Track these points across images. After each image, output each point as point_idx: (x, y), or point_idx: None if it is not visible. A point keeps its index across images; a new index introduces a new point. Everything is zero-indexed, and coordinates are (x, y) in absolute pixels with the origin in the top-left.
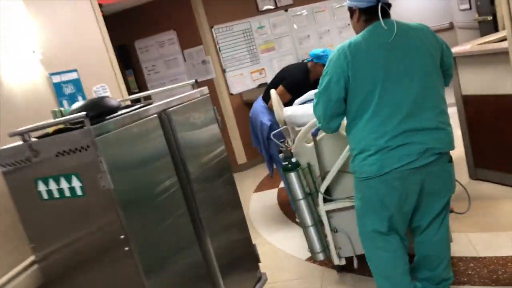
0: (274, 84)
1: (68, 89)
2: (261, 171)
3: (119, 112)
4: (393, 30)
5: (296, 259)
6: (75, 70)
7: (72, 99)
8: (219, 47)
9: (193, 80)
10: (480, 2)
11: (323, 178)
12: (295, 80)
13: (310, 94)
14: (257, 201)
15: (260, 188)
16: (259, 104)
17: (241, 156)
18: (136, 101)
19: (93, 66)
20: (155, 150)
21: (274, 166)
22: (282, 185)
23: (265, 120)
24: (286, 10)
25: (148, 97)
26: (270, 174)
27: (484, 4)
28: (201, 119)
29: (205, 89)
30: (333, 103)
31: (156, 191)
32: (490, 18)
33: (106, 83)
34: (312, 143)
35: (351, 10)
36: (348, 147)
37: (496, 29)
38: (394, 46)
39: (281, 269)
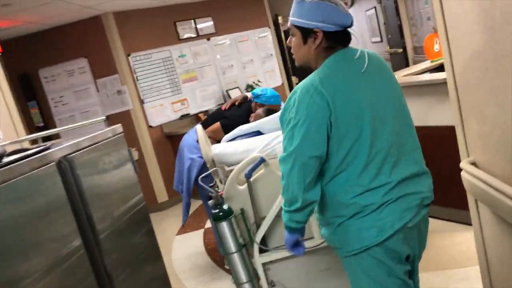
0: (212, 118)
1: None
2: None
3: (2, 162)
4: (363, 59)
5: None
6: None
7: None
8: (136, 76)
9: (104, 117)
10: (391, 35)
11: (258, 226)
12: (234, 120)
13: (240, 129)
14: (181, 246)
15: (184, 229)
16: (190, 137)
17: (161, 194)
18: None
19: None
20: (52, 207)
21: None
22: (208, 225)
23: (197, 156)
24: (208, 39)
25: (51, 137)
26: (183, 221)
27: (395, 37)
28: (114, 163)
29: (118, 128)
30: (314, 162)
31: (51, 262)
32: (400, 50)
33: None
34: (245, 185)
35: (308, 32)
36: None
37: (406, 61)
38: (369, 78)
39: None
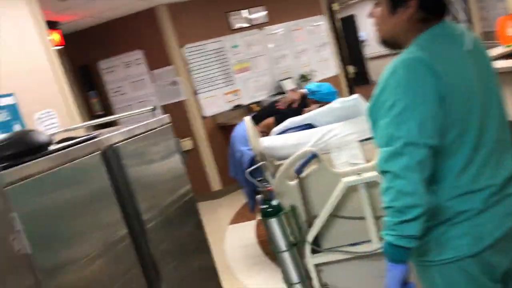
0: (265, 113)
1: (1, 117)
2: (238, 199)
3: (48, 150)
4: (466, 36)
5: None
6: (10, 95)
7: (5, 128)
8: (190, 67)
9: (152, 107)
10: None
11: (310, 224)
12: (289, 117)
13: (291, 121)
14: (234, 236)
15: (237, 219)
16: (242, 128)
17: (215, 182)
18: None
19: (36, 89)
20: (97, 197)
21: None
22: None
23: (246, 149)
24: (260, 29)
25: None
26: (250, 208)
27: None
28: (161, 154)
29: (165, 118)
30: (431, 154)
31: (96, 251)
32: None
33: (54, 108)
34: (296, 181)
35: (398, 0)
36: (342, 184)
37: None
38: (473, 60)
39: None
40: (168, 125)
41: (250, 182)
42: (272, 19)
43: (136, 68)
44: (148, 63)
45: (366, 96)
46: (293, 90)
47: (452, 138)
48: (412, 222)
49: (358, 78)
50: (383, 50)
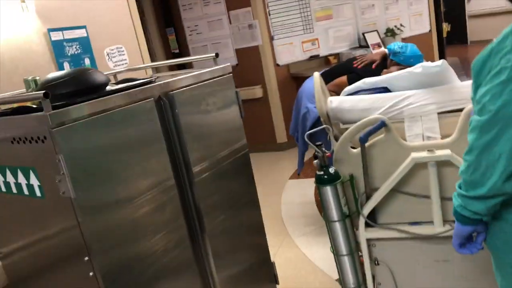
0: (339, 70)
1: (72, 49)
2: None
3: (104, 91)
4: None
5: (326, 277)
6: (83, 27)
7: (76, 61)
8: (268, 11)
9: (214, 54)
10: None
11: (368, 197)
12: (365, 77)
13: (365, 82)
14: (292, 191)
15: (297, 175)
16: (311, 83)
17: (281, 134)
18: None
19: (109, 23)
20: (147, 144)
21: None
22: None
23: (313, 107)
24: None
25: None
26: (298, 170)
27: None
28: (218, 105)
29: (227, 67)
30: None
31: (141, 198)
32: None
33: (125, 44)
34: (359, 149)
35: None
36: (410, 159)
37: None
38: None
39: (304, 286)
40: (229, 75)
41: (305, 142)
42: None
43: (214, 7)
44: (226, 2)
45: (459, 57)
46: (375, 51)
47: None
48: (475, 201)
49: (453, 37)
50: (488, 8)
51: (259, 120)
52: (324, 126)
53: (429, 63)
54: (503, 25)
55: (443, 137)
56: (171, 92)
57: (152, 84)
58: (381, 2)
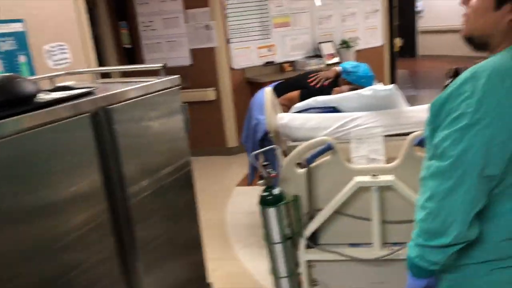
0: (293, 84)
1: (6, 45)
2: None
3: (32, 104)
4: None
5: None
6: (20, 21)
7: (9, 58)
8: (226, 13)
9: (162, 64)
10: None
11: (311, 218)
12: (317, 94)
13: (316, 100)
14: (239, 199)
15: (246, 181)
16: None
17: (232, 139)
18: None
19: (50, 17)
20: (77, 166)
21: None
22: None
23: (263, 119)
24: None
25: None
26: (249, 179)
27: None
28: (163, 120)
29: (175, 79)
30: (487, 184)
31: (70, 223)
32: None
33: (68, 41)
34: (305, 169)
35: None
36: (354, 182)
37: None
38: None
39: None
40: (177, 87)
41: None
42: None
43: (171, 4)
44: (184, 0)
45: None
46: (330, 61)
47: None
48: (435, 250)
49: (404, 50)
50: (437, 25)
51: (210, 123)
52: (273, 146)
53: (379, 87)
54: (450, 42)
55: (387, 160)
56: (110, 107)
57: (89, 98)
58: (338, 13)
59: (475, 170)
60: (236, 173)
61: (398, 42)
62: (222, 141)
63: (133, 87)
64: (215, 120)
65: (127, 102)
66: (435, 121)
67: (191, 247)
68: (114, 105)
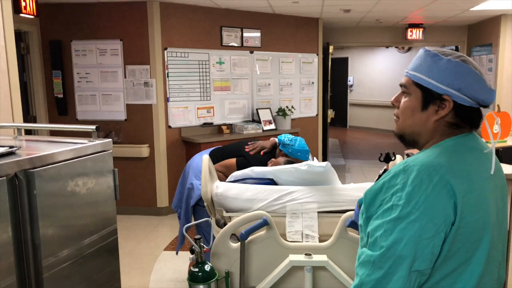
0: (231, 151)
1: None
2: None
3: None
4: (491, 156)
5: None
6: None
7: None
8: (167, 72)
9: (94, 126)
10: None
11: None
12: (253, 164)
13: (253, 170)
14: (165, 264)
15: (174, 245)
16: (201, 159)
17: (163, 199)
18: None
19: None
20: None
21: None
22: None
23: (199, 184)
24: (251, 52)
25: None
26: (177, 248)
27: None
28: (89, 185)
29: (108, 143)
30: (415, 279)
31: None
32: None
33: None
34: (238, 244)
35: (433, 97)
36: (287, 261)
37: None
38: (494, 186)
39: None
40: (109, 151)
41: (187, 219)
42: (265, 45)
43: (110, 58)
44: (124, 56)
45: (338, 138)
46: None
47: (450, 270)
48: None
49: (336, 120)
50: (365, 99)
51: (141, 181)
52: (207, 219)
53: (314, 163)
54: (376, 116)
55: (320, 236)
56: (32, 170)
57: (9, 161)
58: (277, 82)
59: (405, 263)
60: (164, 235)
61: (330, 113)
62: (152, 201)
63: (62, 149)
64: (147, 178)
65: (53, 165)
66: (368, 210)
67: None
68: (38, 168)
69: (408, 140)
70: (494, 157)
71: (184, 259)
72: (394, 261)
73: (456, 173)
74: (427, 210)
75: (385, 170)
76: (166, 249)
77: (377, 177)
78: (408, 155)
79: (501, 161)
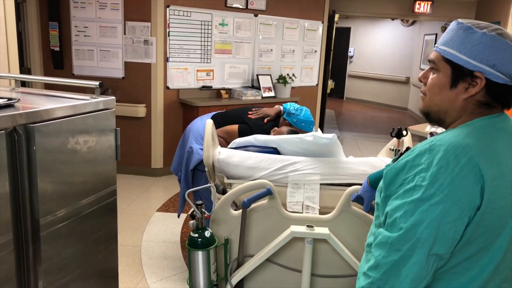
0: (233, 117)
1: None
2: (176, 185)
3: None
4: None
5: None
6: None
7: None
8: (169, 31)
9: (98, 82)
10: None
11: (240, 264)
12: (255, 131)
13: (256, 138)
14: (157, 226)
15: (167, 207)
16: (202, 123)
17: (157, 160)
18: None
19: None
20: None
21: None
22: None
23: (198, 148)
24: (256, 15)
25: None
26: (178, 212)
27: None
28: (90, 144)
29: (111, 101)
30: (434, 262)
31: None
32: None
33: None
34: (239, 212)
35: (463, 74)
36: (289, 232)
37: None
38: None
39: None
40: (112, 109)
41: (188, 183)
42: (270, 9)
43: (110, 12)
44: (125, 11)
45: (335, 110)
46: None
47: (470, 253)
48: None
49: (333, 92)
50: (365, 71)
51: (136, 141)
52: (209, 185)
53: (320, 134)
54: (373, 89)
55: (321, 208)
56: (32, 125)
57: (8, 113)
58: (279, 49)
59: (424, 247)
60: (157, 197)
61: (330, 84)
62: (147, 161)
63: (61, 105)
64: (142, 138)
65: (54, 121)
66: (388, 189)
67: (106, 281)
68: (38, 124)
69: (434, 119)
70: None
71: (176, 221)
72: (412, 244)
73: (486, 156)
74: (451, 193)
75: (407, 148)
76: (159, 210)
77: (397, 155)
78: (432, 134)
79: None
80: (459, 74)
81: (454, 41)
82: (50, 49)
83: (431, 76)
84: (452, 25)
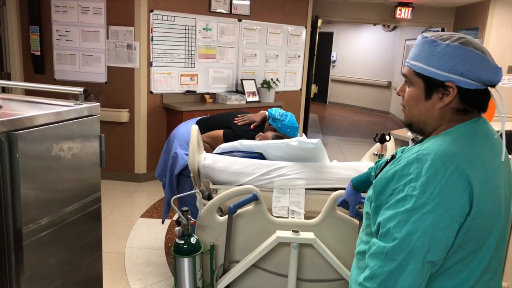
0: (219, 122)
1: None
2: (159, 190)
3: None
4: (500, 142)
5: None
6: None
7: None
8: (152, 36)
9: (82, 89)
10: None
11: (226, 270)
12: (241, 136)
13: (242, 143)
14: (141, 232)
15: (151, 213)
16: (186, 129)
17: (141, 165)
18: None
19: None
20: None
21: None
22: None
23: (183, 153)
24: (239, 20)
25: None
26: (163, 218)
27: None
28: (74, 151)
29: (95, 107)
30: (428, 270)
31: None
32: None
33: None
34: (225, 218)
35: (435, 85)
36: (274, 237)
37: None
38: (505, 173)
39: None
40: (96, 116)
41: (172, 189)
42: (254, 14)
43: (93, 17)
44: (108, 16)
45: (318, 114)
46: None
47: (460, 258)
48: None
49: (317, 96)
50: (347, 76)
51: (120, 146)
52: (194, 191)
53: (305, 139)
54: (355, 93)
55: (306, 212)
56: (15, 132)
57: None
58: (263, 54)
59: (419, 255)
60: (140, 202)
61: (314, 88)
62: (130, 166)
63: (45, 112)
64: (125, 143)
65: (38, 128)
66: (378, 198)
67: None
68: (21, 131)
69: (416, 129)
70: (504, 143)
71: (160, 226)
72: (407, 253)
73: (471, 162)
74: (442, 201)
75: (392, 157)
76: (143, 216)
77: (383, 164)
78: (414, 140)
79: None
80: (431, 86)
81: (422, 55)
82: (30, 53)
83: (407, 89)
84: (418, 39)
